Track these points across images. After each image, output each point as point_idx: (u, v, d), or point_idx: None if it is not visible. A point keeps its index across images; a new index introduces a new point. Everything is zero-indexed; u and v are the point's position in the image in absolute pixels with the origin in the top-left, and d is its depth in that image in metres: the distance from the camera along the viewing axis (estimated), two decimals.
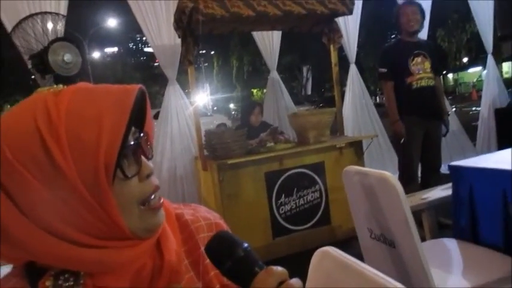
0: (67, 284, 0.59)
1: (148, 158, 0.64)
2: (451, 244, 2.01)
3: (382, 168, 3.08)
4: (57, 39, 2.83)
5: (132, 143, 0.61)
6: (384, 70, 3.51)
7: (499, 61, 6.20)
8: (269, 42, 4.75)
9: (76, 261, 0.58)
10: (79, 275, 0.60)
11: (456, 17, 17.84)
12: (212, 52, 28.19)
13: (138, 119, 0.63)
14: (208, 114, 14.61)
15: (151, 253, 0.66)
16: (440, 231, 2.51)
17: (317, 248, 0.91)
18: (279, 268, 0.59)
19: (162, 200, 0.66)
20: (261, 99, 5.31)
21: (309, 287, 0.86)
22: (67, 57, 2.78)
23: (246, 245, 0.63)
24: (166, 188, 3.88)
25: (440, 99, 3.57)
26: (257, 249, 3.16)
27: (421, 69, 3.45)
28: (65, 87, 0.61)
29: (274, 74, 4.89)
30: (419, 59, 3.46)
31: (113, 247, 0.60)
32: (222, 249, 0.62)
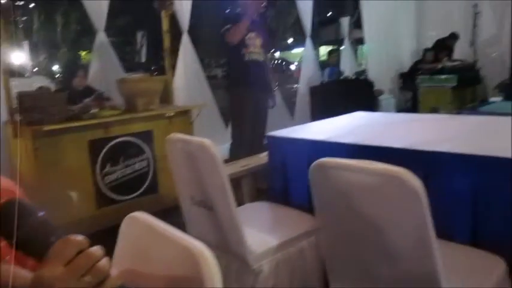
0: None
1: None
2: (265, 206, 2.21)
3: (211, 139, 3.19)
4: None
5: None
6: (228, 26, 3.60)
7: (317, 44, 6.93)
8: None
9: None
10: None
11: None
12: (32, 5, 24.75)
13: None
14: (26, 75, 12.94)
15: None
16: (259, 196, 2.74)
17: None
18: (79, 237, 0.56)
19: None
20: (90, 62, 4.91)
21: (116, 253, 0.84)
22: None
23: (41, 213, 0.58)
24: None
25: (269, 75, 3.88)
26: (80, 221, 3.00)
27: (252, 45, 3.66)
28: None
29: (102, 36, 4.55)
30: (252, 35, 3.66)
31: None
32: (11, 219, 0.56)
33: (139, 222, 0.82)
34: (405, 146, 1.79)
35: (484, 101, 6.49)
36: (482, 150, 1.66)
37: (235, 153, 3.67)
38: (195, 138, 1.63)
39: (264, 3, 3.71)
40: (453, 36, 7.07)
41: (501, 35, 7.05)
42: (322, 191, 1.31)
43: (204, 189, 1.72)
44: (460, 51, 7.07)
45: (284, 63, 23.63)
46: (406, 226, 1.15)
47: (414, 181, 1.07)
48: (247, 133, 3.79)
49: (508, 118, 2.61)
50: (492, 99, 6.56)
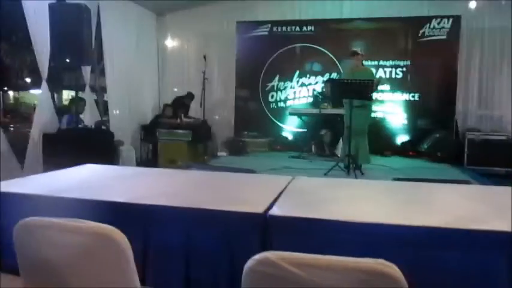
0: None
1: None
2: None
3: None
4: None
5: None
6: None
7: (56, 88, 6.50)
8: None
9: None
10: None
11: (21, 35, 17.44)
12: None
13: None
14: None
15: None
16: None
17: None
18: None
19: None
20: None
21: None
22: None
23: None
24: None
25: None
26: None
27: None
28: None
29: None
30: None
31: None
32: None
33: None
34: (126, 200, 1.87)
35: (214, 155, 7.36)
36: (194, 203, 1.88)
37: None
38: None
39: None
40: (189, 96, 7.84)
41: (226, 100, 8.28)
42: (28, 253, 1.23)
43: None
44: (195, 110, 7.88)
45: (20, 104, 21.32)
46: (113, 281, 1.18)
47: (119, 237, 1.13)
48: None
49: (214, 173, 3.03)
50: (220, 153, 7.52)
